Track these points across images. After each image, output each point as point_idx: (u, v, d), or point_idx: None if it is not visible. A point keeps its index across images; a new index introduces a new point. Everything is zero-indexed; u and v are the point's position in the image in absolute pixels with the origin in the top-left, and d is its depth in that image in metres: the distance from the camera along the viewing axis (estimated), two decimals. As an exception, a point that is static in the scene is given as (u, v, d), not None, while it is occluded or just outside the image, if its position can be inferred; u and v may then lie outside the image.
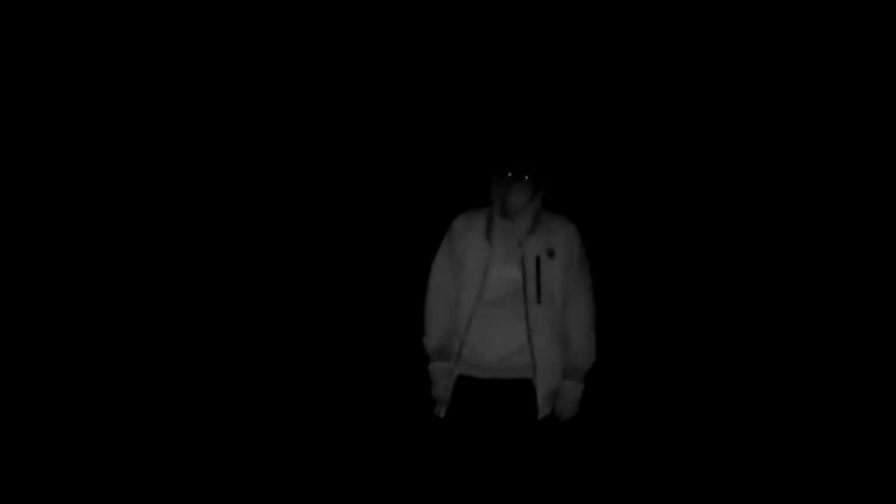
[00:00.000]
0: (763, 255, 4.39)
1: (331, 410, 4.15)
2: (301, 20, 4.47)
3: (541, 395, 2.56)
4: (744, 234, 4.40)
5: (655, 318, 4.35)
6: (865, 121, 4.23)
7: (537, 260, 2.57)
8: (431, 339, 2.69)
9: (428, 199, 4.33)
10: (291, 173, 4.53)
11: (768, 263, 4.39)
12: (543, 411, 2.58)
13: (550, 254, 2.60)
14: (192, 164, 4.52)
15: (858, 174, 4.27)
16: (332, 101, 4.50)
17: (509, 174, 2.60)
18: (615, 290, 4.01)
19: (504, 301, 2.58)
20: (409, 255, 4.14)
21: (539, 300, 2.56)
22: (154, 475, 3.45)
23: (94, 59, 4.41)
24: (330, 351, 4.41)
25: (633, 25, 4.34)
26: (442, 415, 2.64)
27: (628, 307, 4.21)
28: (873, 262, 4.22)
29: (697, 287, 4.42)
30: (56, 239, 4.39)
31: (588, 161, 4.33)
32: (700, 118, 4.38)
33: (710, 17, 4.30)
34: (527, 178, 2.60)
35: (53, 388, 4.11)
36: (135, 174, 4.48)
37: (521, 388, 2.58)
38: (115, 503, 3.24)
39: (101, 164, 4.46)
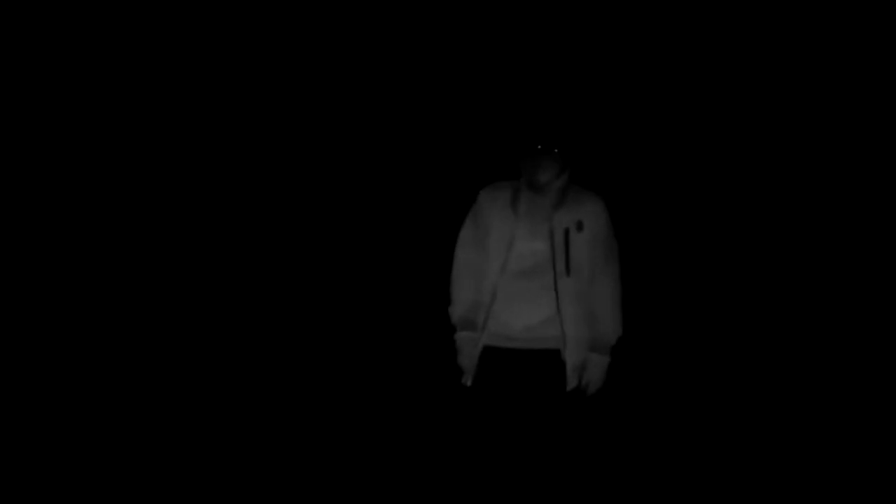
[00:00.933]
0: (776, 249, 4.37)
1: (349, 389, 4.17)
2: (303, 18, 4.47)
3: (570, 366, 2.59)
4: (760, 226, 4.38)
5: (678, 297, 4.35)
6: (865, 121, 4.19)
7: (566, 232, 2.59)
8: (457, 309, 2.72)
9: (439, 190, 4.34)
10: (293, 164, 4.53)
11: (783, 256, 4.37)
12: (571, 383, 2.61)
13: (579, 226, 2.61)
14: (193, 164, 4.52)
15: (859, 174, 4.23)
16: (340, 84, 4.50)
17: (539, 146, 2.62)
18: (639, 270, 4.02)
19: (530, 273, 2.60)
20: (421, 244, 4.18)
21: (568, 272, 2.58)
22: (154, 475, 3.45)
23: (94, 60, 4.40)
24: (342, 335, 4.43)
25: (644, 21, 4.32)
26: (469, 383, 2.67)
27: (651, 287, 4.22)
28: (873, 262, 4.19)
29: (720, 270, 4.41)
30: (56, 239, 4.39)
31: (598, 154, 4.33)
32: (712, 115, 4.36)
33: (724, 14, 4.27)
34: (556, 150, 2.62)
35: (53, 388, 4.10)
36: (135, 174, 4.48)
37: (548, 359, 2.61)
38: (115, 503, 3.26)
39: (101, 164, 4.46)
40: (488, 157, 4.02)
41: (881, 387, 4.02)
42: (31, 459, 3.50)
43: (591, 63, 4.38)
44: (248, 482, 3.42)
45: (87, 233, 4.41)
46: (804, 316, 4.27)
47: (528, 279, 2.60)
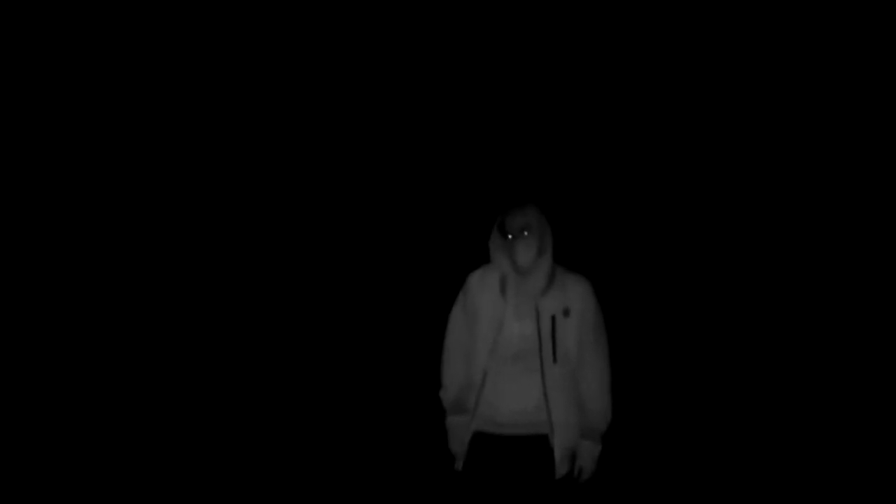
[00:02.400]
0: (765, 264, 4.37)
1: (345, 393, 4.13)
2: (296, 23, 4.54)
3: (558, 454, 2.56)
4: (745, 239, 4.38)
5: (667, 369, 4.33)
6: (865, 121, 4.22)
7: (553, 319, 2.60)
8: (448, 393, 2.72)
9: (430, 205, 4.35)
10: (293, 178, 4.56)
11: (771, 271, 4.36)
12: (561, 470, 2.58)
13: (566, 313, 2.62)
14: (195, 166, 4.55)
15: (859, 174, 4.25)
16: (328, 109, 4.54)
17: (509, 236, 2.61)
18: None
19: (519, 357, 2.60)
20: (414, 261, 4.17)
21: (555, 360, 2.58)
22: (154, 475, 3.45)
23: (94, 60, 4.46)
24: (337, 339, 4.40)
25: (629, 33, 4.39)
26: (460, 468, 2.64)
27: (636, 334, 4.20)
28: (873, 262, 4.18)
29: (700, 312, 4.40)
30: (56, 239, 4.41)
31: (588, 179, 4.36)
32: (698, 125, 4.40)
33: (706, 19, 4.34)
34: (526, 233, 2.59)
35: (53, 388, 4.11)
36: (135, 175, 4.51)
37: (538, 445, 2.59)
38: (115, 503, 3.21)
39: (101, 164, 4.49)
40: (463, 185, 4.01)
41: (881, 387, 3.96)
42: (31, 459, 3.50)
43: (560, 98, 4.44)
44: (246, 482, 3.41)
45: (87, 233, 4.43)
46: (801, 330, 4.23)
47: (516, 363, 2.59)
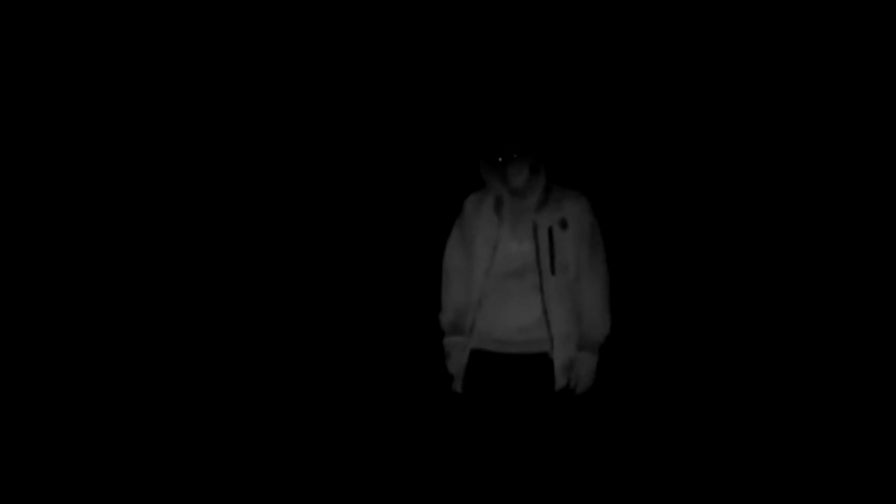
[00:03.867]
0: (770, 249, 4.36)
1: (346, 391, 4.16)
2: (286, 21, 4.47)
3: (558, 365, 2.57)
4: (751, 229, 4.37)
5: (667, 297, 4.33)
6: (865, 121, 4.19)
7: (550, 231, 2.58)
8: (446, 315, 2.73)
9: (426, 194, 4.33)
10: (287, 169, 4.53)
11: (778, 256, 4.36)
12: (560, 382, 2.58)
13: (563, 225, 2.60)
14: (192, 164, 4.52)
15: (858, 174, 4.23)
16: (323, 99, 4.50)
17: (499, 159, 2.60)
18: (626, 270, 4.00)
19: (516, 275, 2.59)
20: (411, 250, 4.17)
21: (553, 271, 2.56)
22: (154, 475, 3.45)
23: (94, 60, 4.41)
24: (338, 332, 4.42)
25: (628, 22, 4.32)
26: (459, 390, 2.65)
27: (641, 284, 4.20)
28: (873, 262, 4.18)
29: (707, 271, 4.40)
30: (56, 239, 4.40)
31: (585, 156, 4.32)
32: (700, 114, 4.36)
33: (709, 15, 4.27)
34: (516, 156, 2.59)
35: (53, 388, 4.12)
36: (135, 174, 4.48)
37: (537, 362, 2.59)
38: (115, 503, 3.25)
39: (100, 164, 4.46)
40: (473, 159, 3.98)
41: (880, 387, 4.00)
42: (31, 459, 3.50)
43: (562, 62, 4.38)
44: (245, 483, 3.42)
45: (87, 233, 4.42)
46: (797, 311, 4.26)
47: (514, 281, 2.59)
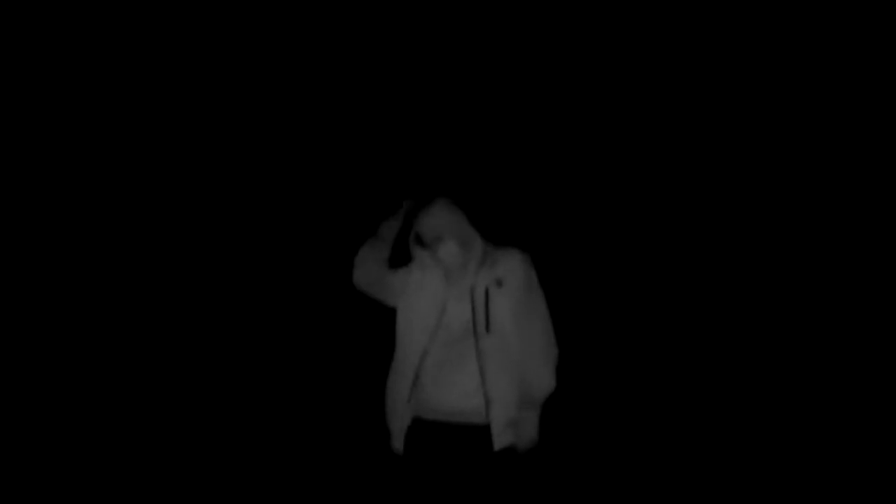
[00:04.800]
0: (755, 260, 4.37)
1: (342, 393, 4.11)
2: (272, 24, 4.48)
3: (495, 426, 2.52)
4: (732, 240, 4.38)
5: (618, 348, 4.33)
6: (865, 121, 4.22)
7: (486, 291, 2.56)
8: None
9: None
10: (289, 176, 4.52)
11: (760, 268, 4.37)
12: (500, 442, 2.54)
13: (498, 283, 2.58)
14: (189, 164, 4.49)
15: (858, 174, 4.25)
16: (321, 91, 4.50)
17: (425, 248, 2.58)
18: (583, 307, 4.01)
19: (456, 339, 2.56)
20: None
21: (488, 329, 2.54)
22: (154, 475, 3.47)
23: (94, 59, 4.40)
24: (328, 354, 4.37)
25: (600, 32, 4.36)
26: (399, 450, 2.59)
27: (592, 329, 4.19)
28: (873, 262, 4.20)
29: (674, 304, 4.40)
30: (56, 239, 4.36)
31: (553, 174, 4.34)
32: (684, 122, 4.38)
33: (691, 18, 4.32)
34: (442, 239, 2.55)
35: (53, 388, 4.10)
36: (134, 174, 4.46)
37: (478, 430, 2.54)
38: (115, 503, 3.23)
39: (100, 164, 4.43)
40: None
41: (879, 387, 3.99)
42: (31, 459, 3.52)
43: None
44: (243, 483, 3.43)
45: (87, 233, 4.40)
46: (792, 317, 4.24)
47: (455, 345, 2.55)
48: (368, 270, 2.66)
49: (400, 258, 2.72)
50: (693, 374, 4.16)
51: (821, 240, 4.25)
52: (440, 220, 2.56)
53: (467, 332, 2.55)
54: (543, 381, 2.62)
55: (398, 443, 2.61)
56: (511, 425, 2.57)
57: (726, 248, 4.33)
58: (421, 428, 2.58)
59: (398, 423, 2.60)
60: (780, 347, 4.19)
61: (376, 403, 3.63)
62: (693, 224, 4.35)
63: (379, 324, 4.27)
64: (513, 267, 2.62)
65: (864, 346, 4.08)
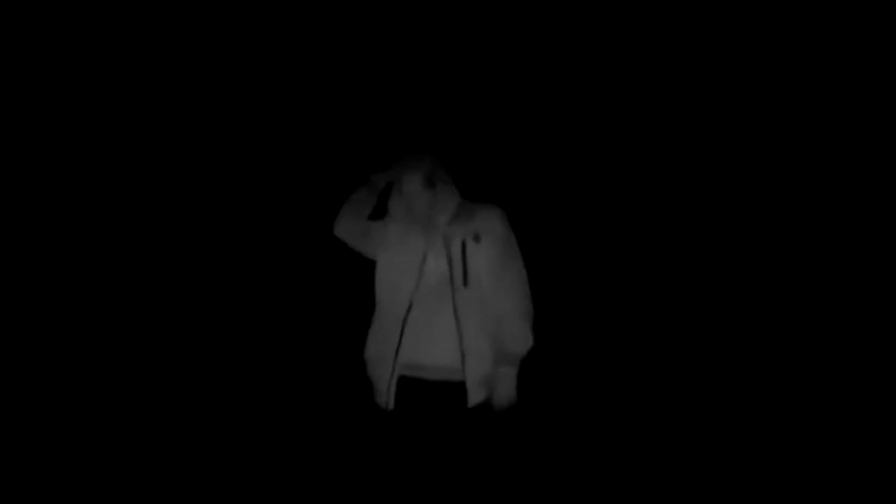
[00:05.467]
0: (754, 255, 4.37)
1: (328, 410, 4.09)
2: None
3: (470, 381, 2.48)
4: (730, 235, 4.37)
5: (598, 306, 4.31)
6: (865, 121, 4.22)
7: (462, 243, 2.51)
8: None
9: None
10: (288, 175, 4.48)
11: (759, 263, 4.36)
12: (474, 398, 2.50)
13: (476, 238, 2.53)
14: (188, 164, 4.45)
15: (858, 174, 4.25)
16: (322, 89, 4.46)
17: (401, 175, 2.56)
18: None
19: (433, 292, 2.51)
20: None
21: (465, 283, 2.49)
22: (153, 475, 3.44)
23: (94, 59, 4.37)
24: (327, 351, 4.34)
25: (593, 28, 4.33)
26: (390, 406, 2.54)
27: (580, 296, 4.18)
28: (873, 262, 4.20)
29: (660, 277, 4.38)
30: (56, 239, 4.32)
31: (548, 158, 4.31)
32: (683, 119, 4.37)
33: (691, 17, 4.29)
34: (406, 176, 2.54)
35: (53, 388, 4.10)
36: (133, 174, 4.41)
37: (457, 388, 2.51)
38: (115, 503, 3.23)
39: (99, 163, 4.37)
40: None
41: (879, 387, 4.00)
42: (31, 459, 3.50)
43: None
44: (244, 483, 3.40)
45: (85, 233, 4.39)
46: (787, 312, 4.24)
47: (432, 298, 2.50)
48: (350, 221, 2.63)
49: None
50: (686, 363, 4.16)
51: (821, 240, 4.24)
52: (412, 157, 2.56)
53: (445, 285, 2.50)
54: (520, 336, 2.57)
55: (386, 398, 2.54)
56: (487, 381, 2.53)
57: (722, 242, 4.33)
58: (400, 385, 2.54)
59: (385, 379, 2.54)
60: (778, 343, 4.19)
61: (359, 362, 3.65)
62: (688, 218, 4.34)
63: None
64: (491, 221, 2.57)
65: (865, 346, 4.08)
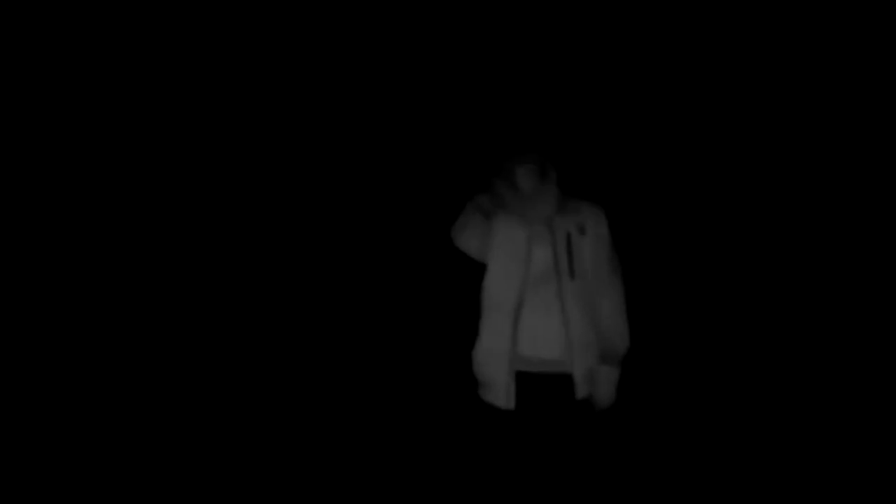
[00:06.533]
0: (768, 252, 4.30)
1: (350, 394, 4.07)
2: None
3: (578, 373, 2.44)
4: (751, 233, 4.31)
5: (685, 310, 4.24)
6: (865, 121, 4.16)
7: (568, 236, 2.49)
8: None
9: (427, 200, 4.28)
10: (286, 172, 4.49)
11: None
12: (582, 391, 2.46)
13: (581, 230, 2.52)
14: (188, 164, 4.49)
15: (858, 174, 4.18)
16: (322, 101, 4.48)
17: (509, 164, 2.55)
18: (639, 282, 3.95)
19: (541, 281, 2.47)
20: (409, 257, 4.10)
21: (572, 275, 2.47)
22: (153, 475, 3.41)
23: (93, 59, 4.39)
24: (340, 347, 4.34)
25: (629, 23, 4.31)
26: (511, 406, 2.48)
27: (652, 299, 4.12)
28: (873, 262, 4.11)
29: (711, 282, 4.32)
30: (56, 239, 4.35)
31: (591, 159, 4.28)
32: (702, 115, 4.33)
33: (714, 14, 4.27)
34: (525, 161, 2.54)
35: (52, 387, 3.99)
36: (133, 174, 4.45)
37: (562, 381, 2.47)
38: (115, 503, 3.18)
39: (99, 163, 4.44)
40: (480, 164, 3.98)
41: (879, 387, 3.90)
42: (31, 459, 3.47)
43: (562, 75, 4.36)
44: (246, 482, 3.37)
45: (85, 233, 4.32)
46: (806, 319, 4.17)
47: (540, 288, 2.46)
48: (474, 230, 2.55)
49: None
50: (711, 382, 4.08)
51: (820, 240, 4.16)
52: (524, 151, 2.56)
53: (550, 277, 2.47)
54: (623, 335, 2.54)
55: (505, 396, 2.47)
56: (591, 375, 2.49)
57: (719, 238, 4.26)
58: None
59: (503, 375, 2.47)
60: (777, 342, 4.10)
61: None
62: (685, 215, 4.28)
63: (377, 322, 4.33)
64: (596, 216, 2.57)
65: (865, 347, 3.99)
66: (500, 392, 2.47)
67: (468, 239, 2.53)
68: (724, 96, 4.32)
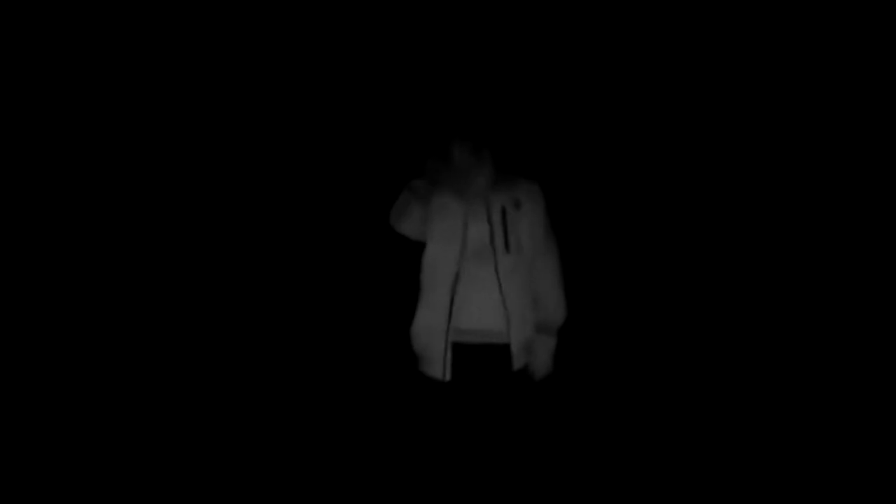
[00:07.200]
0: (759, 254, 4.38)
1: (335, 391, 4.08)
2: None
3: (515, 345, 2.50)
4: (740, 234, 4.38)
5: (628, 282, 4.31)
6: (865, 121, 4.22)
7: (503, 210, 2.54)
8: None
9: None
10: (279, 172, 4.48)
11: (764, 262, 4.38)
12: (518, 362, 2.52)
13: (516, 205, 2.56)
14: (188, 164, 4.45)
15: (858, 174, 4.25)
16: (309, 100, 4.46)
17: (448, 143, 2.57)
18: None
19: (476, 256, 2.52)
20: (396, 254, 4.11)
21: (507, 249, 2.52)
22: (153, 475, 3.41)
23: (93, 59, 4.32)
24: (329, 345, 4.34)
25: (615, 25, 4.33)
26: (447, 377, 2.51)
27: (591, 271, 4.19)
28: (873, 262, 4.20)
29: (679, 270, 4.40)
30: (56, 238, 4.28)
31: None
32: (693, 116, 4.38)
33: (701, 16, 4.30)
34: (457, 139, 2.55)
35: (52, 387, 4.00)
36: (132, 174, 4.40)
37: (498, 350, 2.52)
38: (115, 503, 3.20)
39: (99, 163, 4.38)
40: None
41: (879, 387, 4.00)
42: (31, 459, 3.46)
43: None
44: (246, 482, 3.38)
45: (85, 233, 4.26)
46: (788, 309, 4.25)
47: (475, 263, 2.50)
48: (413, 213, 2.56)
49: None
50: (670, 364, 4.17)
51: (821, 240, 4.26)
52: (461, 128, 2.57)
53: (487, 251, 2.52)
54: (559, 306, 2.61)
55: (442, 368, 2.51)
56: (528, 346, 2.56)
57: (718, 236, 4.34)
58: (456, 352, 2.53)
59: (439, 349, 2.51)
60: (779, 343, 4.21)
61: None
62: (684, 214, 4.35)
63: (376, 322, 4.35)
64: (532, 192, 2.61)
65: (865, 347, 4.10)
66: (437, 365, 2.51)
67: (408, 224, 2.55)
68: (671, 64, 4.35)
